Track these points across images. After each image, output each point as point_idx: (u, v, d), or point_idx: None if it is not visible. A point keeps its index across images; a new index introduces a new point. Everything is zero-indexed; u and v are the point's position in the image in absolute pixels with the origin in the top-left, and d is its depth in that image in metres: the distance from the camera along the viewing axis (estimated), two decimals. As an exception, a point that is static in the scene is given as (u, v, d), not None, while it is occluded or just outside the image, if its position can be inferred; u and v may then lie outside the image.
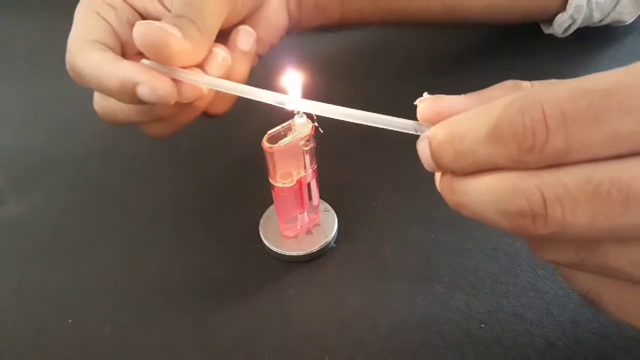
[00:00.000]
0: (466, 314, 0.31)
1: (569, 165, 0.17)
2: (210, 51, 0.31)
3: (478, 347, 0.30)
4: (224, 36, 0.34)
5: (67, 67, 0.32)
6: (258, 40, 0.40)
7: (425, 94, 0.21)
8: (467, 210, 0.20)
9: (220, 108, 0.36)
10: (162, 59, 0.29)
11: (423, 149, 0.20)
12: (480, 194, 0.19)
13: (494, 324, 0.31)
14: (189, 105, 0.33)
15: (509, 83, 0.21)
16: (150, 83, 0.29)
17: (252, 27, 0.39)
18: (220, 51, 0.32)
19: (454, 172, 0.20)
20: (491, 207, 0.18)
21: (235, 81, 0.34)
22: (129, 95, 0.29)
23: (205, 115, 0.36)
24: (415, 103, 0.21)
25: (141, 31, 0.28)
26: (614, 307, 0.20)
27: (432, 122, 0.21)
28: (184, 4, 0.30)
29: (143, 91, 0.29)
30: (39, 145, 0.49)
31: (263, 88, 0.28)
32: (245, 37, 0.34)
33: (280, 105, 0.27)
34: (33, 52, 0.65)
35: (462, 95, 0.21)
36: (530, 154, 0.17)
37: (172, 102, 0.30)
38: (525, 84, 0.20)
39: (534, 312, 0.31)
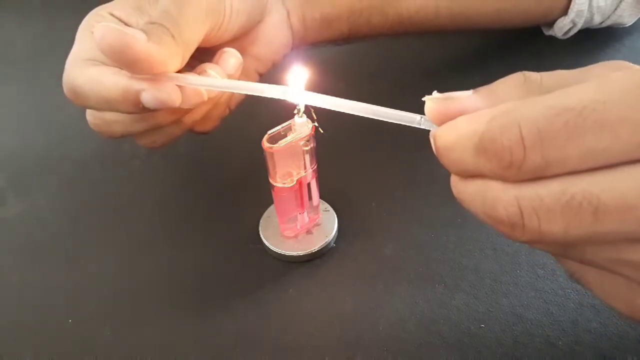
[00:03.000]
0: (466, 314, 0.31)
1: (546, 178, 0.18)
2: (185, 60, 0.30)
3: (478, 347, 0.30)
4: (212, 55, 0.33)
5: (65, 88, 0.31)
6: (257, 58, 0.39)
7: (435, 93, 0.22)
8: (465, 207, 0.21)
9: (206, 126, 0.36)
10: (124, 63, 0.28)
11: (433, 145, 0.22)
12: (471, 196, 0.20)
13: (494, 324, 0.31)
14: (186, 112, 0.33)
15: (519, 75, 0.21)
16: (154, 88, 0.28)
17: (251, 43, 0.38)
18: (213, 72, 0.31)
19: (453, 173, 0.21)
20: (479, 209, 0.20)
21: (220, 102, 0.35)
22: (132, 103, 0.29)
23: (192, 131, 0.36)
24: (423, 99, 0.22)
25: (100, 33, 0.27)
26: (597, 289, 0.21)
27: (440, 122, 0.21)
28: (161, 12, 0.30)
29: (147, 97, 0.28)
30: (38, 145, 0.49)
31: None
32: (228, 60, 0.33)
33: (284, 98, 0.27)
34: (33, 52, 0.65)
35: (471, 92, 0.21)
36: (509, 170, 0.18)
37: (177, 105, 0.29)
38: (535, 76, 0.20)
39: (534, 312, 0.31)
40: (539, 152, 0.18)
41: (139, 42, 0.27)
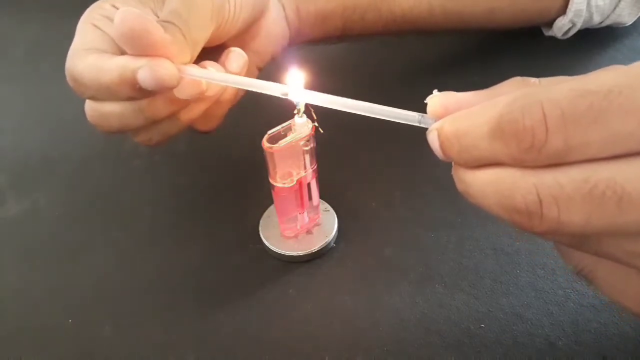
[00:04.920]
0: (466, 314, 0.31)
1: (567, 165, 0.17)
2: (193, 59, 0.31)
3: (478, 347, 0.30)
4: (216, 53, 0.34)
5: (67, 78, 0.32)
6: (257, 52, 0.39)
7: (435, 92, 0.21)
8: (472, 200, 0.20)
9: (208, 125, 0.36)
10: (141, 47, 0.28)
11: (433, 140, 0.21)
12: (483, 186, 0.19)
13: (494, 324, 0.31)
14: (185, 105, 0.33)
15: (517, 80, 0.21)
16: (151, 64, 0.28)
17: (251, 39, 0.39)
18: (213, 69, 0.31)
19: (460, 164, 0.20)
20: (492, 200, 0.19)
21: (224, 100, 0.35)
22: (129, 84, 0.29)
23: (195, 130, 0.36)
24: (425, 101, 0.22)
25: (121, 16, 0.27)
26: (606, 284, 0.21)
27: (442, 117, 0.21)
28: (171, 12, 0.30)
29: (144, 74, 0.28)
30: (39, 145, 0.49)
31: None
32: (234, 59, 0.33)
33: (284, 97, 0.27)
34: (33, 52, 0.65)
35: (472, 92, 0.21)
36: (529, 153, 0.17)
37: (175, 84, 0.29)
38: (533, 80, 0.20)
39: (534, 312, 0.31)
40: (561, 134, 0.17)
41: (159, 30, 0.28)
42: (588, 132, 0.17)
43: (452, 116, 0.20)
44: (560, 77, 0.20)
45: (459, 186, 0.21)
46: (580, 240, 0.19)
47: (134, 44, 0.28)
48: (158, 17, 0.34)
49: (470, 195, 0.20)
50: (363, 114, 0.24)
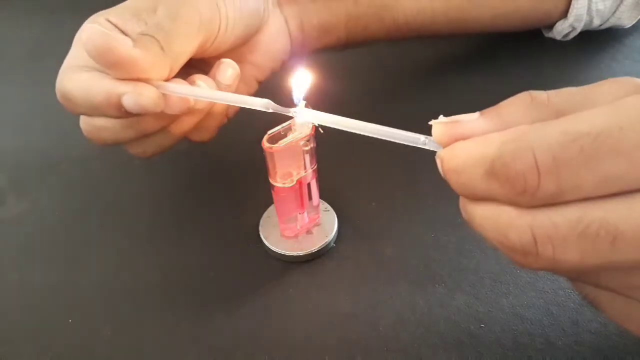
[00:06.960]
0: (466, 314, 0.31)
1: (561, 204, 0.18)
2: (174, 72, 0.31)
3: (478, 347, 0.30)
4: (212, 65, 0.34)
5: (57, 95, 0.32)
6: (256, 66, 0.40)
7: (441, 117, 0.21)
8: (475, 230, 0.21)
9: (202, 136, 0.36)
10: (108, 65, 0.29)
11: (439, 166, 0.21)
12: (482, 220, 0.20)
13: (494, 324, 0.31)
14: (175, 119, 0.33)
15: (525, 96, 0.20)
16: (135, 92, 0.29)
17: (250, 52, 0.39)
18: (201, 83, 0.32)
19: (463, 196, 0.21)
20: (490, 235, 0.20)
21: (216, 112, 0.35)
22: (115, 107, 0.29)
23: (189, 140, 0.36)
24: (430, 123, 0.22)
25: (87, 34, 0.28)
26: (610, 310, 0.21)
27: (447, 145, 0.21)
28: (153, 25, 0.30)
29: (128, 101, 0.29)
30: (39, 145, 0.49)
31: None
32: (225, 71, 0.33)
33: (267, 110, 0.27)
34: (33, 52, 0.65)
35: (478, 115, 0.21)
36: (522, 196, 0.18)
37: (158, 110, 0.30)
38: (542, 96, 0.20)
39: (534, 312, 0.31)
40: (553, 179, 0.17)
41: (124, 46, 0.28)
42: (580, 174, 0.17)
43: (451, 152, 0.20)
44: (568, 88, 0.20)
45: (463, 215, 0.21)
46: (578, 275, 0.20)
47: (102, 62, 0.29)
48: None
49: (472, 225, 0.21)
50: (365, 134, 0.24)
